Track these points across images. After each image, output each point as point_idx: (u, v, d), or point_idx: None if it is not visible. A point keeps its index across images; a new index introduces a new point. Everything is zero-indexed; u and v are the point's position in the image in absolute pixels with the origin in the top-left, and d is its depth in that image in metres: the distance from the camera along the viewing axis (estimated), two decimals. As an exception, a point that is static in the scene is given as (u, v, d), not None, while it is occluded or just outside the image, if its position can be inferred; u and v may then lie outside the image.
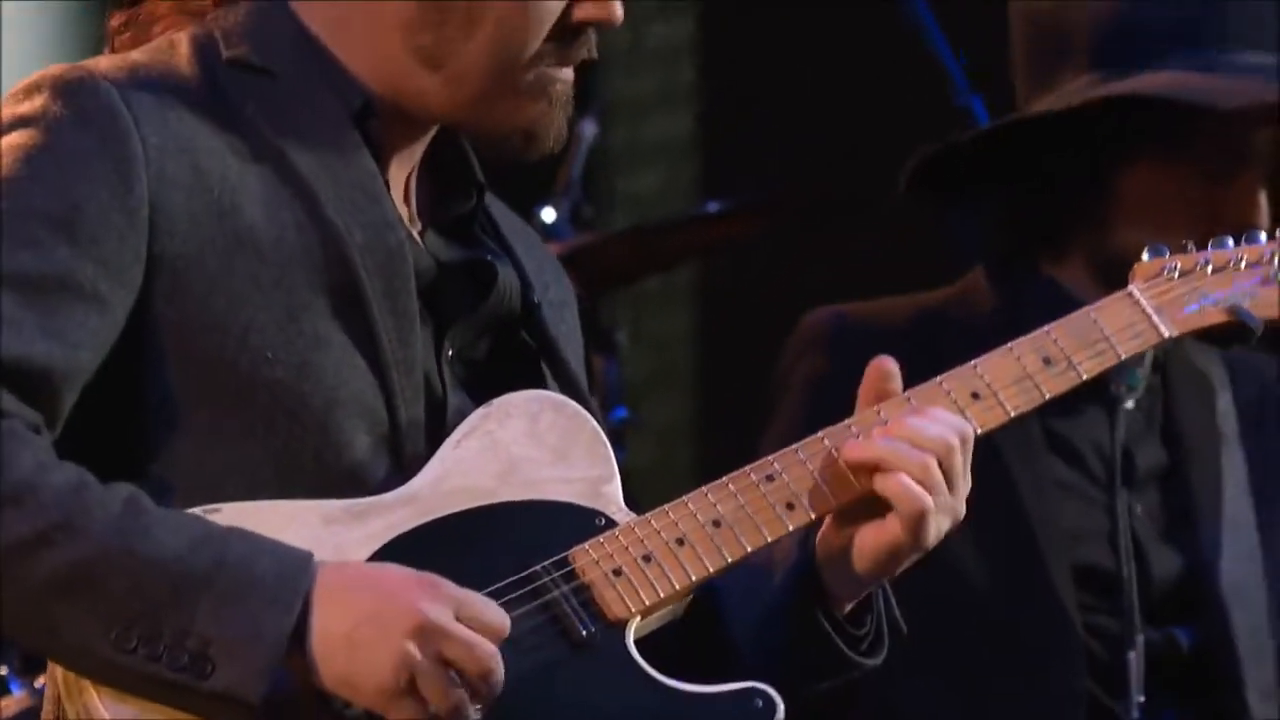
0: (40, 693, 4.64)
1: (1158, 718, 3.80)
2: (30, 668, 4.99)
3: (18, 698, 4.97)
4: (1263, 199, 3.79)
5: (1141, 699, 3.76)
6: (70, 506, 2.69)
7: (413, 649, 2.67)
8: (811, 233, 6.00)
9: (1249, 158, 3.80)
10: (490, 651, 2.68)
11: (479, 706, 2.69)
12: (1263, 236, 3.17)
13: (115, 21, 3.02)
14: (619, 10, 2.93)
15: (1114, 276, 3.60)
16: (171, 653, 2.68)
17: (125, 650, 2.69)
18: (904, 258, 4.07)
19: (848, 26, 6.30)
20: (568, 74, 2.96)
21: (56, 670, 2.80)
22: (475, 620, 2.70)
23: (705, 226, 6.01)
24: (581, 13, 2.93)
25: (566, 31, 2.93)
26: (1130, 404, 3.77)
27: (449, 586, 2.71)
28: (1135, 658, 3.74)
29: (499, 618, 2.71)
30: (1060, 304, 3.62)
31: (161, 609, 2.68)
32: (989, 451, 3.57)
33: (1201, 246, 3.15)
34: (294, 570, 2.70)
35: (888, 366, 3.00)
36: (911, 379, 3.48)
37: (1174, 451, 3.86)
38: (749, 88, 8.37)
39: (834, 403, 3.61)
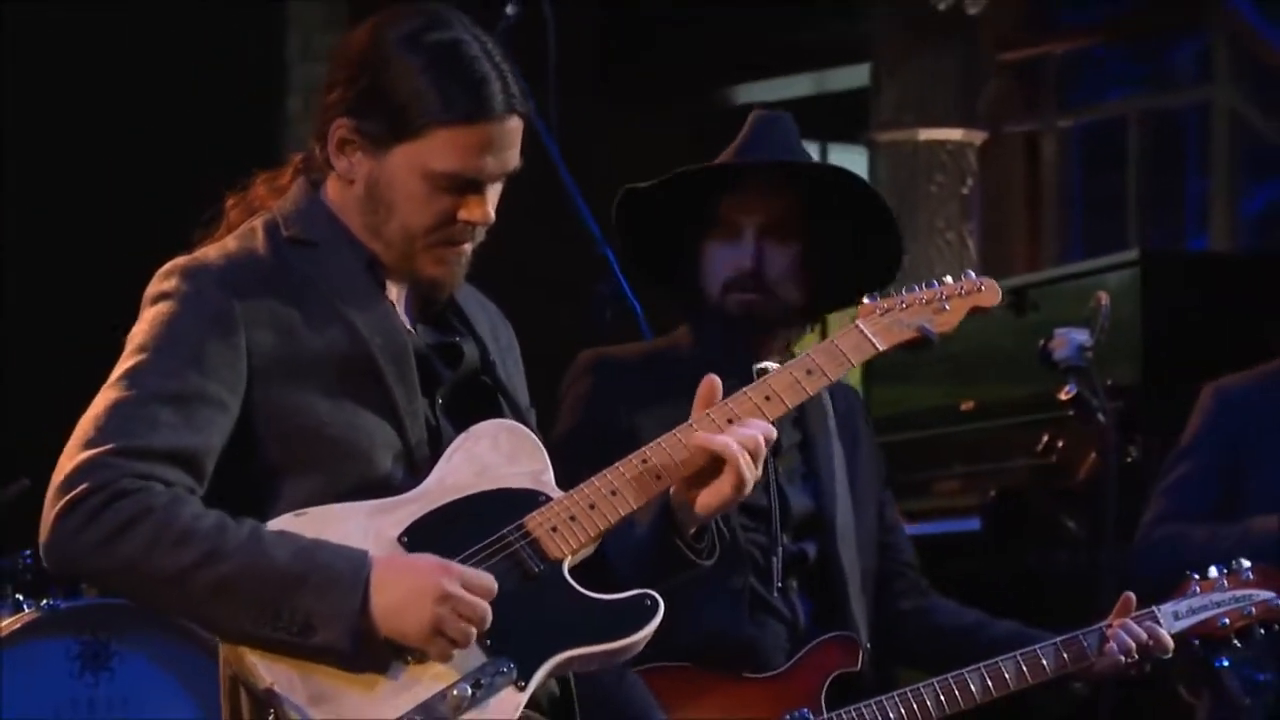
0: (45, 608, 4.84)
1: (796, 604, 3.83)
2: (33, 592, 4.95)
3: (28, 613, 4.89)
4: (749, 244, 3.76)
5: (780, 586, 3.79)
6: (216, 540, 2.82)
7: (439, 610, 2.81)
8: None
9: (743, 223, 3.79)
10: (485, 606, 2.83)
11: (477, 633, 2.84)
12: (936, 283, 3.28)
13: (230, 202, 3.10)
14: (491, 214, 2.99)
15: (713, 315, 3.77)
16: (288, 625, 2.81)
17: (261, 626, 2.82)
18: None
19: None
20: (462, 249, 3.01)
21: (225, 655, 2.92)
22: (474, 586, 2.84)
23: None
24: (464, 213, 2.97)
25: (455, 223, 2.98)
26: None
27: (456, 567, 2.85)
28: (777, 561, 3.79)
29: (489, 582, 2.85)
30: (716, 344, 3.80)
31: (279, 600, 2.82)
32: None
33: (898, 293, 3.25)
34: (357, 567, 2.83)
35: (714, 384, 3.06)
36: (644, 396, 3.68)
37: (804, 435, 3.91)
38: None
39: (594, 410, 3.79)
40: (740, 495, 3.00)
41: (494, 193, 3.00)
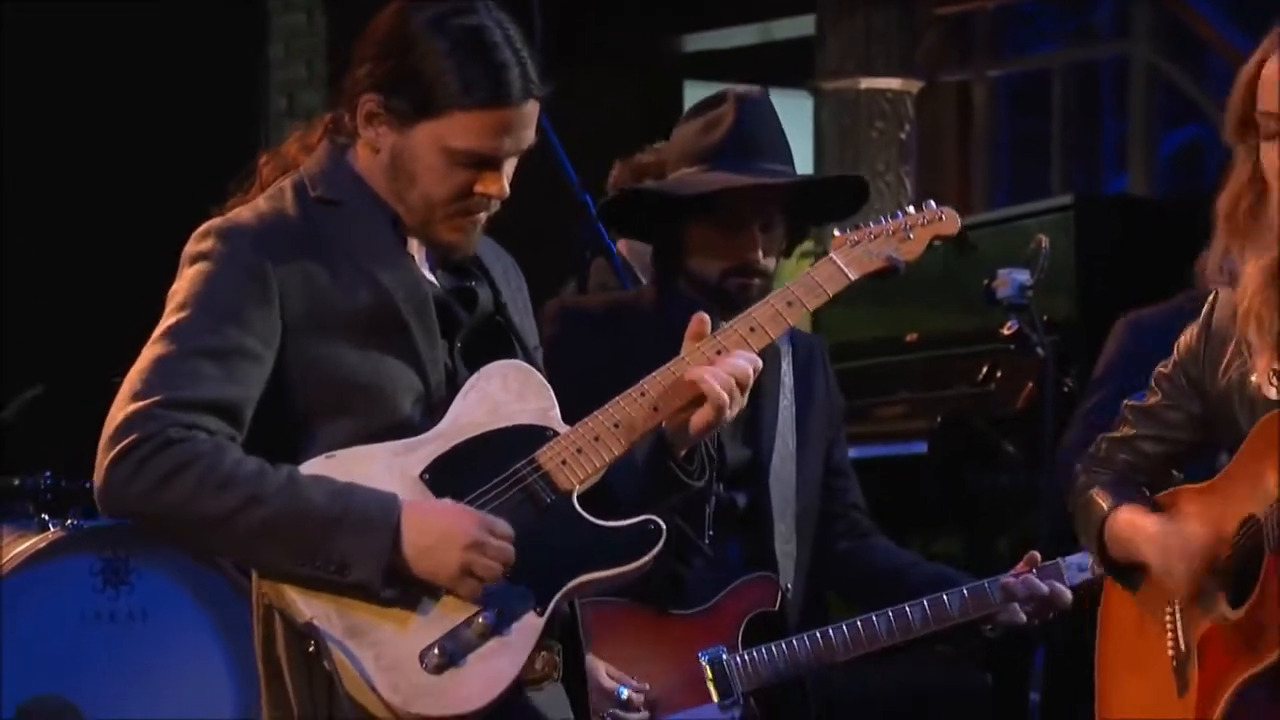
0: (69, 528, 4.83)
1: (726, 549, 3.77)
2: (55, 511, 4.94)
3: (53, 532, 4.87)
4: (759, 239, 3.75)
5: (711, 533, 3.72)
6: (257, 485, 2.78)
7: (469, 554, 2.79)
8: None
9: (747, 218, 3.75)
10: (510, 549, 2.81)
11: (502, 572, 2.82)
12: (900, 213, 3.22)
13: (263, 160, 3.03)
14: (506, 187, 2.93)
15: (699, 287, 3.74)
16: (325, 564, 2.78)
17: (299, 565, 2.78)
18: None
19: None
20: (477, 217, 2.95)
21: (260, 586, 2.89)
22: (497, 533, 2.81)
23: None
24: (480, 187, 2.91)
25: (472, 195, 2.93)
26: None
27: (482, 515, 2.82)
28: (709, 509, 3.73)
29: (507, 528, 2.82)
30: (687, 303, 3.66)
31: (316, 540, 2.77)
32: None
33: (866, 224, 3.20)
34: (388, 509, 2.80)
35: (704, 320, 3.04)
36: (604, 345, 3.59)
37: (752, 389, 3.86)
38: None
39: (563, 353, 3.65)
40: (720, 421, 2.97)
41: (509, 167, 2.95)
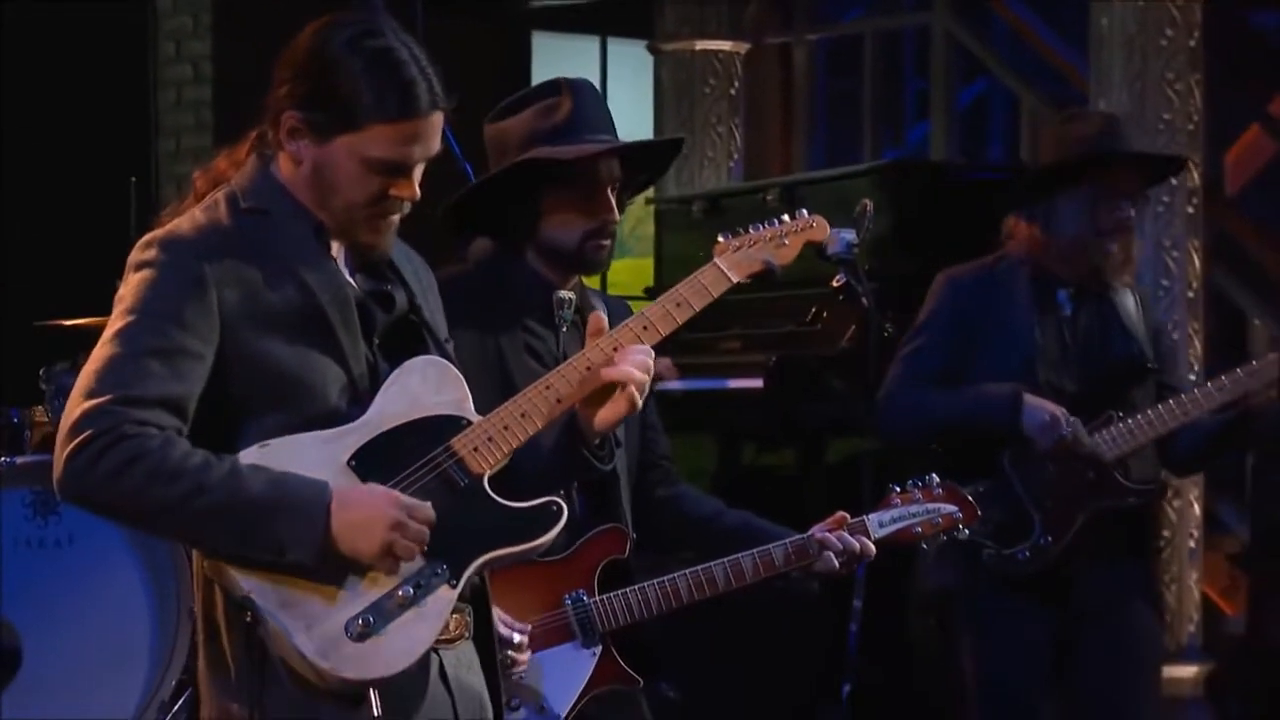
0: (3, 464, 4.72)
1: (575, 499, 3.64)
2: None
3: None
4: (610, 200, 3.61)
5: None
6: (202, 476, 2.69)
7: (391, 534, 2.72)
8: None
9: (603, 182, 3.61)
10: (426, 531, 2.74)
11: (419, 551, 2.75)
12: (776, 221, 3.17)
13: (196, 175, 2.94)
14: (417, 191, 2.85)
15: (551, 258, 3.59)
16: (264, 546, 2.70)
17: (242, 547, 2.71)
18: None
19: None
20: (392, 218, 2.87)
21: (200, 559, 2.81)
22: (418, 515, 2.75)
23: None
24: (394, 191, 2.83)
25: (387, 199, 2.85)
26: (564, 329, 3.63)
27: (405, 499, 2.75)
28: None
29: (430, 512, 2.75)
30: (528, 276, 3.62)
31: (256, 525, 2.69)
32: (497, 353, 3.56)
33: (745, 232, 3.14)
34: (318, 496, 2.72)
35: (601, 319, 3.00)
36: (467, 306, 3.38)
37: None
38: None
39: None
40: (633, 412, 2.93)
41: (418, 172, 2.87)
